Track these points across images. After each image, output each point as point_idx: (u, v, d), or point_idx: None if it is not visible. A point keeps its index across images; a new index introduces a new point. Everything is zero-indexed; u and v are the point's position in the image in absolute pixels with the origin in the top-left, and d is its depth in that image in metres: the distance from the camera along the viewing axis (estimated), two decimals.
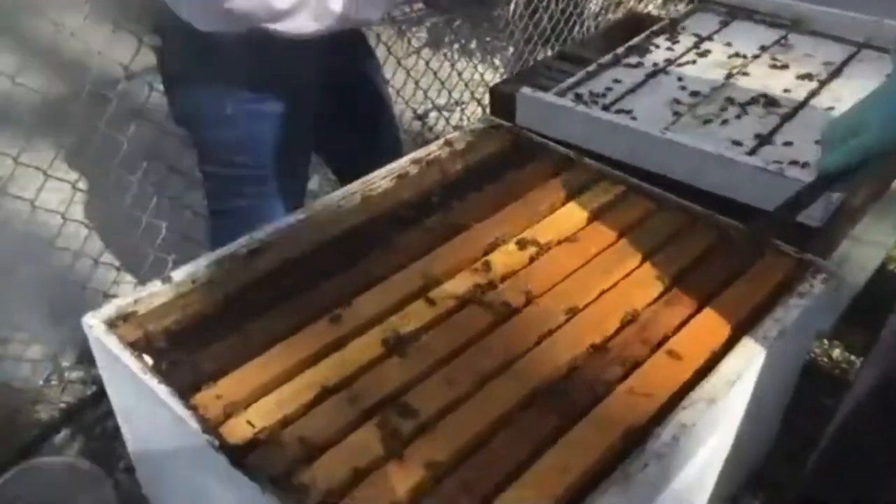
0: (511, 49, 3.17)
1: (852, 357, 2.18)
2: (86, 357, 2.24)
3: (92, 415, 1.71)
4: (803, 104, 1.44)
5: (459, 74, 2.76)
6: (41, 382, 2.02)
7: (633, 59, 1.63)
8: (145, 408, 0.81)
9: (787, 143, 1.32)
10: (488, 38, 3.29)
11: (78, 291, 2.01)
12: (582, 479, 0.72)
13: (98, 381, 2.10)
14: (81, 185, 1.67)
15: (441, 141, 1.16)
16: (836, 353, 2.35)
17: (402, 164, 1.10)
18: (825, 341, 2.35)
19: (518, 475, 0.71)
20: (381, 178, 1.08)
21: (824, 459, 1.13)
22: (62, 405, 1.93)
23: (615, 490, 0.70)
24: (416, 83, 2.51)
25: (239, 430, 0.75)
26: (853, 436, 1.17)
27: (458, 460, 0.73)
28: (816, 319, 1.02)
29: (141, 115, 1.65)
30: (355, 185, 1.06)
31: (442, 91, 2.84)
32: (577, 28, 3.23)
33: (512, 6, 3.46)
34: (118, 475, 1.45)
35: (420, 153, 1.12)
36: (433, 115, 2.87)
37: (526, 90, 1.42)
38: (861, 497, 1.08)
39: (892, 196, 1.90)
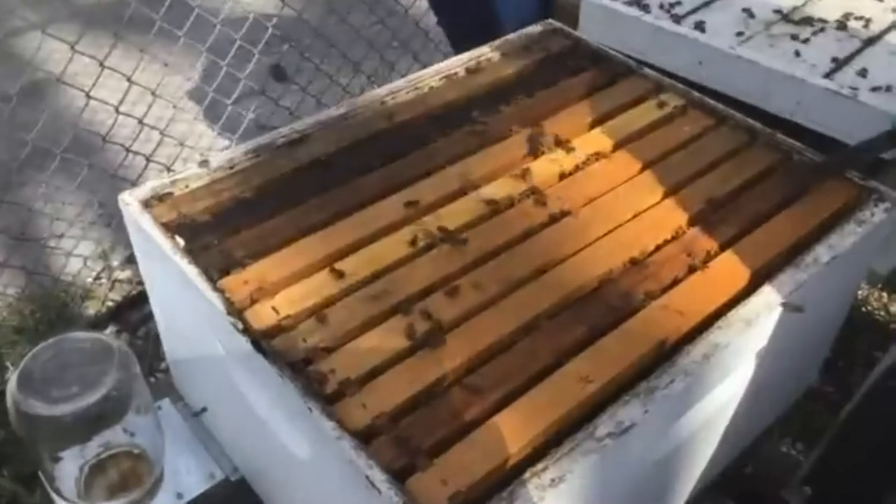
0: None
1: None
2: (134, 257, 2.30)
3: (138, 315, 1.76)
4: (889, 30, 1.33)
5: None
6: (90, 279, 2.08)
7: None
8: (174, 288, 0.82)
9: (863, 71, 1.22)
10: None
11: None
12: (605, 390, 0.70)
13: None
14: (137, 77, 1.67)
15: (496, 42, 1.11)
16: (895, 308, 2.26)
17: (452, 63, 1.06)
18: (884, 294, 2.25)
19: (538, 381, 0.70)
20: (429, 77, 1.04)
21: (866, 403, 1.09)
22: (110, 303, 1.98)
23: (636, 403, 0.68)
24: None
25: (264, 315, 0.75)
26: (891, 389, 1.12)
27: (477, 363, 0.72)
28: (873, 253, 0.96)
29: None
30: (401, 83, 1.02)
31: None
32: None
33: None
34: (157, 374, 1.49)
35: (472, 54, 1.08)
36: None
37: None
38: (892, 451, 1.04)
39: None
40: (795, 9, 1.40)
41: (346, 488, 0.64)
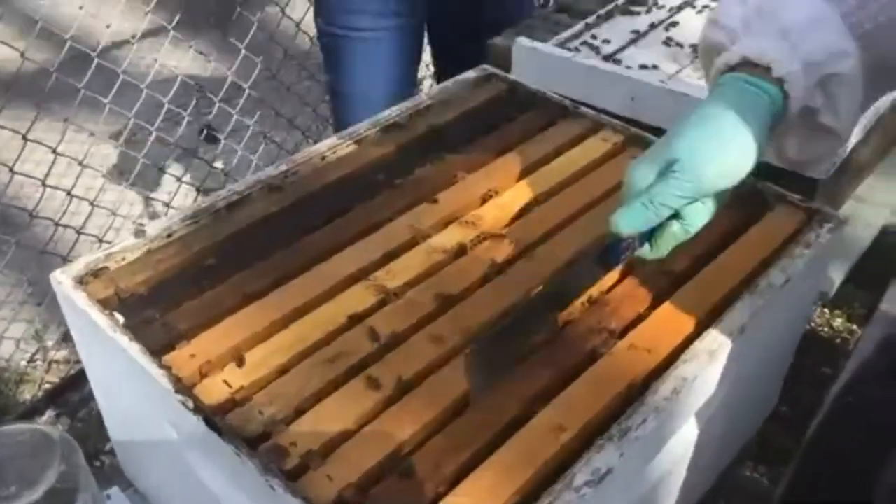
0: None
1: (853, 326, 2.15)
2: (70, 336, 2.21)
3: (78, 395, 1.67)
4: None
5: None
6: (24, 362, 1.98)
7: (636, 9, 1.57)
8: (116, 368, 0.77)
9: None
10: None
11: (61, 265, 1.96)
12: (580, 437, 0.68)
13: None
14: (63, 148, 1.61)
15: (432, 90, 1.11)
16: (838, 322, 2.31)
17: (390, 114, 1.05)
18: (826, 311, 2.31)
19: (510, 435, 0.67)
20: (366, 129, 1.02)
21: (828, 421, 1.09)
22: (47, 386, 1.88)
23: (611, 447, 0.66)
24: None
25: (215, 390, 0.71)
26: (858, 394, 1.13)
27: (444, 420, 0.69)
28: (822, 272, 0.98)
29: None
30: (342, 136, 1.00)
31: None
32: None
33: None
34: (102, 457, 1.41)
35: (409, 103, 1.07)
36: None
37: (522, 40, 1.36)
38: (866, 460, 1.04)
39: (892, 155, 1.85)
40: None
41: None
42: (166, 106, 1.79)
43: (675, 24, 1.51)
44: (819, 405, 1.10)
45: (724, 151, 0.66)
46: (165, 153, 1.88)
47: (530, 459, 0.65)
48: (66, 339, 2.17)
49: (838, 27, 0.66)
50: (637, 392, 0.71)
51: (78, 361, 2.13)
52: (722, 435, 0.87)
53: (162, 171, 1.90)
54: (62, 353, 2.16)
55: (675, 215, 0.69)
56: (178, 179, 1.85)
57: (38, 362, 2.09)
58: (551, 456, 0.66)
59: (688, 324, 0.77)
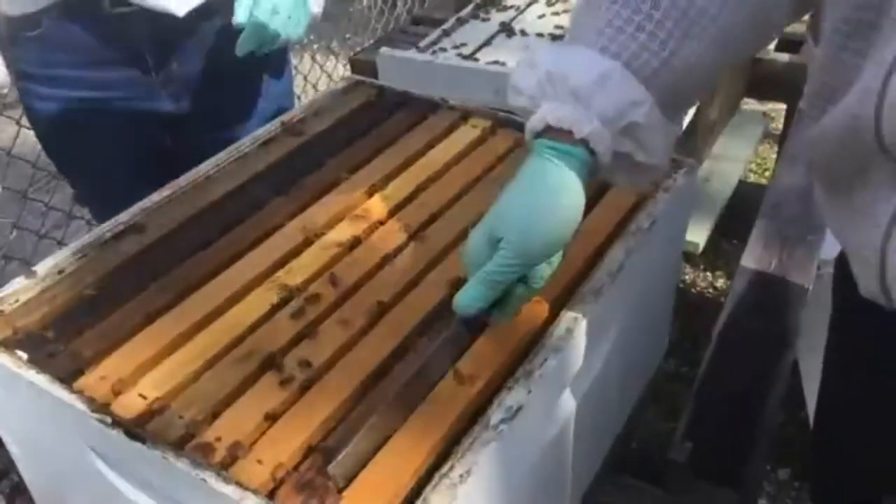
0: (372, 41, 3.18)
1: (722, 281, 2.32)
2: None
3: None
4: None
5: (324, 71, 2.74)
6: None
7: (485, 14, 1.66)
8: (27, 407, 0.77)
9: None
10: (348, 36, 3.28)
11: None
12: (489, 386, 0.72)
13: None
14: None
15: (305, 103, 1.15)
16: (720, 283, 2.48)
17: (268, 129, 1.08)
18: (708, 274, 2.47)
19: (427, 395, 0.71)
20: (247, 146, 1.05)
21: (715, 355, 1.19)
22: None
23: (519, 387, 0.71)
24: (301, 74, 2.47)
25: (132, 404, 0.71)
26: (737, 326, 1.24)
27: (361, 394, 0.73)
28: (686, 215, 1.07)
29: None
30: (221, 155, 1.03)
31: (306, 87, 2.81)
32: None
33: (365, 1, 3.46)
34: None
35: (285, 117, 1.11)
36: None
37: (385, 51, 1.43)
38: (751, 385, 1.14)
39: (742, 113, 2.02)
40: (565, 29, 1.55)
41: None
42: (34, 172, 1.75)
43: (522, 20, 1.62)
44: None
45: (544, 223, 0.67)
46: (43, 219, 1.83)
47: (450, 410, 0.69)
48: None
49: (625, 79, 0.67)
50: (537, 335, 0.76)
51: None
52: (622, 372, 0.94)
53: (41, 237, 1.85)
54: None
55: (520, 278, 0.70)
56: (59, 244, 1.80)
57: None
58: (467, 404, 0.70)
59: (571, 271, 0.84)
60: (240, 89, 1.31)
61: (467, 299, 0.69)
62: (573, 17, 0.75)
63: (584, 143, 0.68)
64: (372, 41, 3.07)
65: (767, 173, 2.70)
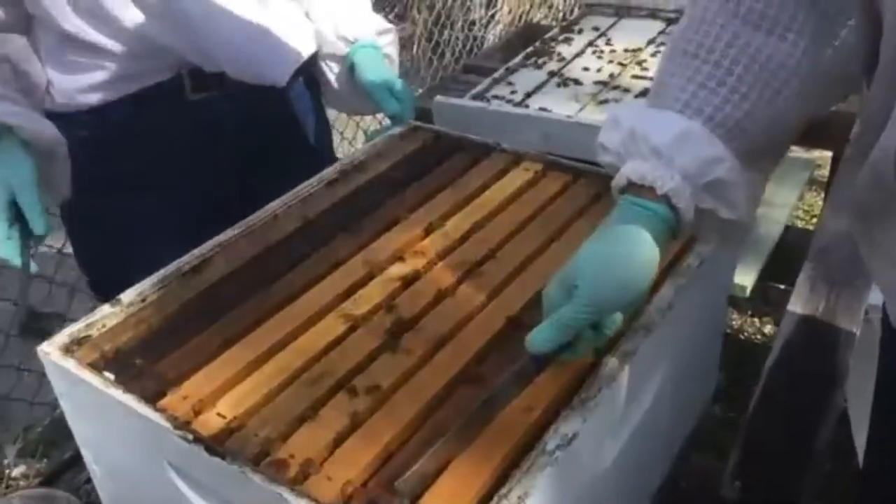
0: (419, 90, 3.27)
1: (769, 327, 2.31)
2: (26, 451, 2.17)
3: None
4: None
5: (375, 118, 2.83)
6: None
7: (534, 63, 1.73)
8: (112, 424, 0.82)
9: None
10: None
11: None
12: (545, 415, 0.76)
13: (41, 474, 2.04)
14: None
15: (365, 146, 1.21)
16: (768, 328, 2.47)
17: (329, 172, 1.15)
18: (755, 319, 2.47)
19: (488, 420, 0.75)
20: (312, 187, 1.12)
21: (763, 395, 1.21)
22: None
23: (575, 415, 0.74)
24: (337, 130, 2.57)
25: (211, 422, 0.76)
26: (786, 367, 1.25)
27: (423, 417, 0.77)
28: (732, 256, 1.10)
29: None
30: (288, 196, 1.09)
31: (358, 133, 2.89)
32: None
33: (415, 48, 3.58)
34: None
35: (346, 160, 1.17)
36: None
37: (440, 98, 1.50)
38: (800, 432, 1.15)
39: (789, 160, 2.04)
40: (612, 78, 1.61)
41: None
42: None
43: (570, 68, 1.68)
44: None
45: (617, 274, 0.70)
46: None
47: (509, 436, 0.73)
48: (22, 454, 2.13)
49: (706, 137, 0.70)
50: (591, 367, 0.80)
51: (36, 476, 2.09)
52: (670, 410, 0.97)
53: None
54: (20, 470, 2.13)
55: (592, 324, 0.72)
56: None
57: None
58: (525, 431, 0.74)
59: None
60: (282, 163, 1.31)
61: (539, 341, 0.73)
62: (657, 74, 0.78)
63: (665, 199, 0.71)
64: (420, 90, 3.17)
65: (814, 220, 2.70)
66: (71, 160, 1.09)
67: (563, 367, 0.80)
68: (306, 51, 1.26)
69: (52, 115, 1.10)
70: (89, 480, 1.99)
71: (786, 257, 1.79)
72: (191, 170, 1.22)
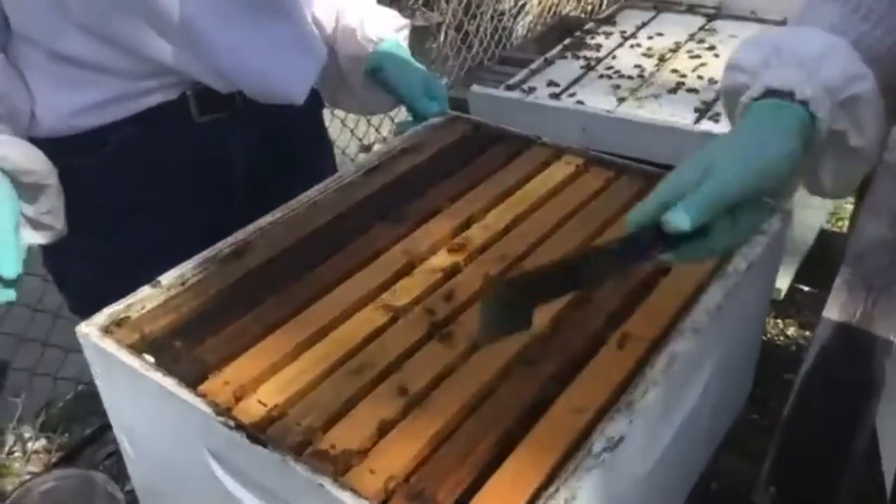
0: (445, 79, 3.25)
1: (806, 332, 2.28)
2: (48, 426, 2.18)
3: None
4: None
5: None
6: (4, 454, 1.97)
7: (571, 56, 1.71)
8: (150, 407, 0.82)
9: (716, 116, 1.40)
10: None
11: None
12: (597, 416, 0.75)
13: (63, 448, 2.05)
14: None
15: (405, 135, 1.20)
16: (791, 330, 2.45)
17: (370, 158, 1.13)
18: (779, 322, 2.44)
19: (531, 422, 0.74)
20: (351, 174, 1.11)
21: (799, 400, 1.19)
22: (27, 476, 1.88)
23: (621, 416, 0.73)
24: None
25: (252, 409, 0.76)
26: (822, 374, 1.24)
27: (469, 411, 0.76)
28: (777, 261, 1.08)
29: None
30: (328, 182, 1.08)
31: (384, 120, 2.88)
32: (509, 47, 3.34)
33: (442, 36, 3.56)
34: None
35: (386, 147, 1.16)
36: (378, 146, 2.94)
37: (476, 88, 1.48)
38: (836, 439, 1.14)
39: None
40: (651, 74, 1.58)
41: None
42: None
43: (609, 64, 1.66)
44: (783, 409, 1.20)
45: (756, 155, 0.67)
46: None
47: (560, 438, 0.72)
48: (44, 428, 2.15)
49: (851, 54, 0.71)
50: (638, 367, 0.79)
51: (58, 450, 2.10)
52: (711, 411, 0.95)
53: None
54: (41, 443, 2.14)
55: (704, 232, 0.68)
56: None
57: (17, 454, 2.07)
58: (577, 433, 0.72)
59: (671, 309, 0.86)
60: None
61: (678, 217, 0.65)
62: (803, 4, 0.79)
63: (804, 105, 0.70)
64: (446, 79, 3.14)
65: (840, 223, 2.66)
66: (64, 190, 0.99)
67: (612, 365, 0.78)
68: (321, 64, 1.20)
69: (40, 142, 0.99)
70: (109, 456, 2.00)
71: (812, 260, 1.78)
72: (196, 197, 1.14)
